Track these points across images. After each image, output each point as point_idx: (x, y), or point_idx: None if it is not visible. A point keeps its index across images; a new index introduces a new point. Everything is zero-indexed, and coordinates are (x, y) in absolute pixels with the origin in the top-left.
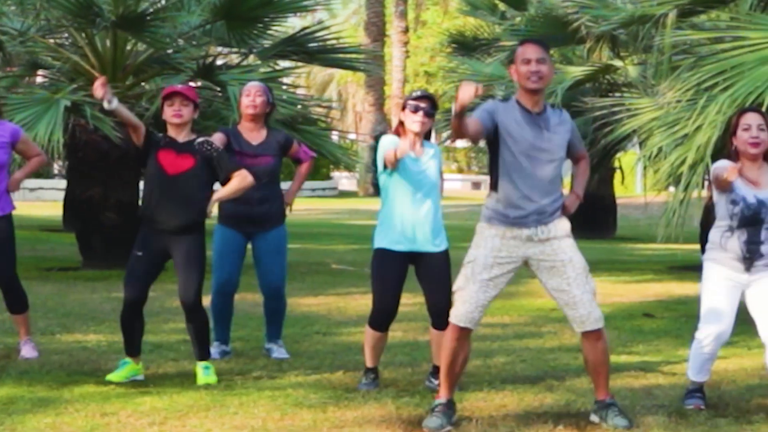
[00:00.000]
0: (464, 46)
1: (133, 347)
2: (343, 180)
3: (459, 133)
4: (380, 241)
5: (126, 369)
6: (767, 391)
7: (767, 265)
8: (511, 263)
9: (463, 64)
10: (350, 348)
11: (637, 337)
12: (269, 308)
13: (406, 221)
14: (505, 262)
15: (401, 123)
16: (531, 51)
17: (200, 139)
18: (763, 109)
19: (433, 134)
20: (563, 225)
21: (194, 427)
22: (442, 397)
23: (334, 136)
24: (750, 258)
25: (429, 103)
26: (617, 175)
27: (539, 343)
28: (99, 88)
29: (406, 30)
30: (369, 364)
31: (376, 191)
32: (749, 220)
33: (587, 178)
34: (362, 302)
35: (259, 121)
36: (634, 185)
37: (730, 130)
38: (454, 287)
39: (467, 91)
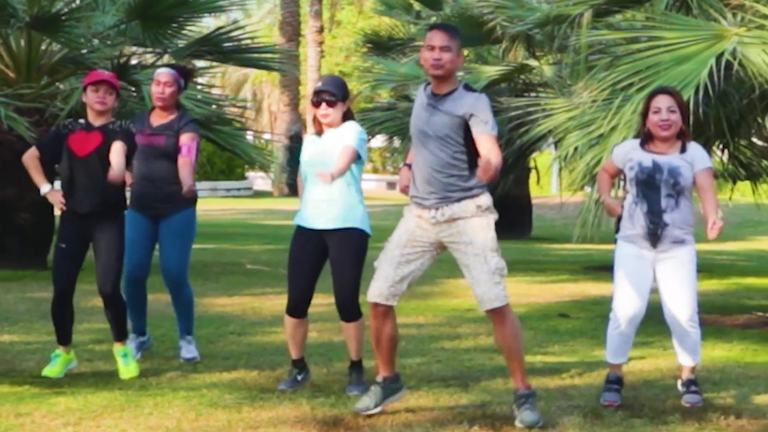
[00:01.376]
0: (379, 45)
1: (64, 336)
2: (258, 180)
3: None
4: (295, 219)
5: (59, 362)
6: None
7: (674, 241)
8: (424, 246)
9: (378, 64)
10: (265, 348)
11: (552, 338)
12: (173, 299)
13: (315, 201)
14: (418, 243)
15: (315, 117)
16: (437, 38)
17: (118, 122)
18: None
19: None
20: (469, 206)
21: (109, 427)
22: (378, 375)
23: (249, 136)
24: (654, 231)
25: (331, 96)
26: (532, 175)
27: (455, 343)
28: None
29: (321, 30)
30: (292, 355)
31: (291, 191)
32: (645, 183)
33: (492, 151)
34: (277, 302)
35: (167, 109)
36: (550, 185)
37: (641, 111)
38: (375, 266)
39: None
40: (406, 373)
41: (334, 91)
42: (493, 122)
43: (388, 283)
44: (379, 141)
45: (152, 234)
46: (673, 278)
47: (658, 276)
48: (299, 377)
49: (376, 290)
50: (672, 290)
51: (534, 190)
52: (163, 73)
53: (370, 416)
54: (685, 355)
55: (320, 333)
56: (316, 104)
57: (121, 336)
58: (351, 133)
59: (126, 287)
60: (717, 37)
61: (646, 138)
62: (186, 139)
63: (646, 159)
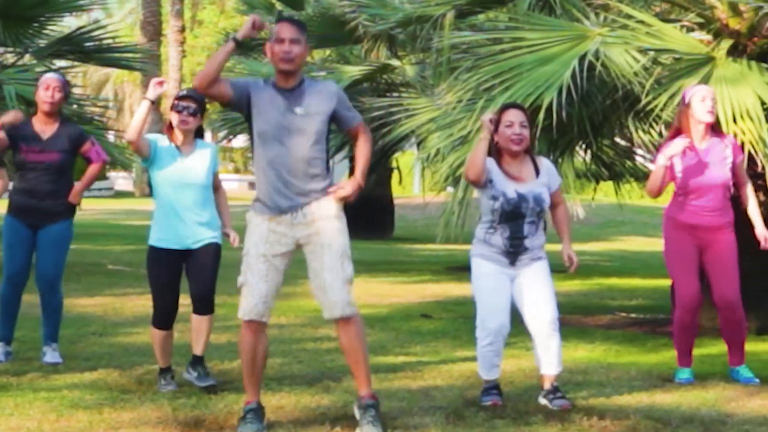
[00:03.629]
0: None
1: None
2: (120, 180)
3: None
4: (152, 239)
5: None
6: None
7: (533, 258)
8: (283, 245)
9: (240, 64)
10: (127, 349)
11: (414, 338)
12: (43, 304)
13: (174, 219)
14: (277, 246)
15: (170, 123)
16: (285, 30)
17: None
18: (542, 110)
19: (209, 134)
20: (328, 206)
21: None
22: (252, 402)
23: (110, 136)
24: (514, 252)
25: (194, 103)
26: (395, 176)
27: (316, 344)
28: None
29: (182, 29)
30: (161, 364)
31: (153, 191)
32: (510, 215)
33: (367, 158)
34: (139, 303)
35: (53, 115)
36: (412, 185)
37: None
38: (238, 283)
39: None
40: (267, 374)
41: (199, 100)
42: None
43: (263, 299)
44: (240, 141)
45: (31, 241)
46: (533, 287)
47: (517, 287)
48: (174, 380)
49: (252, 308)
50: (533, 297)
51: (396, 191)
52: (53, 78)
53: (230, 415)
54: (548, 364)
55: (181, 333)
56: (178, 110)
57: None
58: (213, 158)
59: (3, 291)
60: (580, 37)
61: (495, 154)
62: (89, 146)
63: (510, 190)
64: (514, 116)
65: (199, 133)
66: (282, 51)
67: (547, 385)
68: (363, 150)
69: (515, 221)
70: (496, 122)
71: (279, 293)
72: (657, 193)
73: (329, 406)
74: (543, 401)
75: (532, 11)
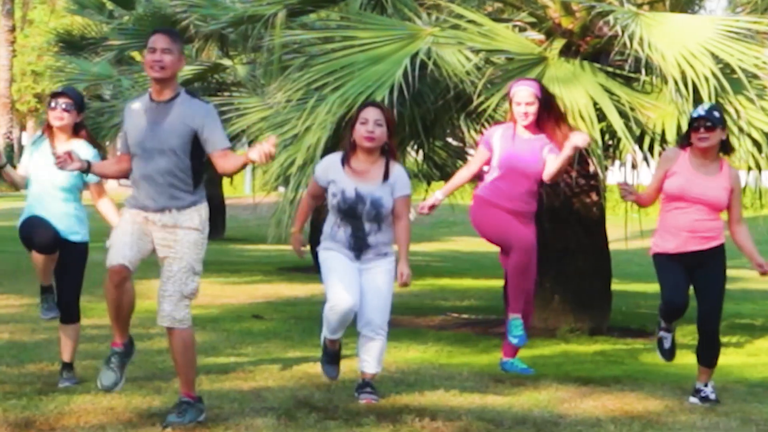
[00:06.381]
0: (72, 45)
1: None
2: None
3: None
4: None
5: None
6: (378, 392)
7: (377, 254)
8: (146, 234)
9: (71, 64)
10: None
11: (246, 339)
12: None
13: (48, 215)
14: (143, 227)
15: (48, 123)
16: (159, 41)
17: None
18: None
19: None
20: (192, 216)
21: None
22: (118, 344)
23: None
24: (358, 248)
25: (68, 99)
26: None
27: (147, 345)
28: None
29: (12, 29)
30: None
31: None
32: (347, 213)
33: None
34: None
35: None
36: (243, 185)
37: (351, 121)
38: (106, 245)
39: None
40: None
41: (74, 97)
42: (225, 133)
43: (127, 248)
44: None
45: None
46: (372, 288)
47: (360, 281)
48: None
49: (117, 254)
50: (368, 299)
51: (227, 191)
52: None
53: (61, 416)
54: (366, 362)
55: (12, 334)
56: (52, 107)
57: None
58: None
59: None
60: (411, 36)
61: (349, 150)
62: None
63: (349, 188)
64: (370, 114)
65: (77, 131)
66: (152, 60)
67: (361, 380)
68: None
69: (355, 219)
70: (354, 118)
71: (143, 257)
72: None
73: (161, 407)
74: (355, 395)
75: (363, 10)
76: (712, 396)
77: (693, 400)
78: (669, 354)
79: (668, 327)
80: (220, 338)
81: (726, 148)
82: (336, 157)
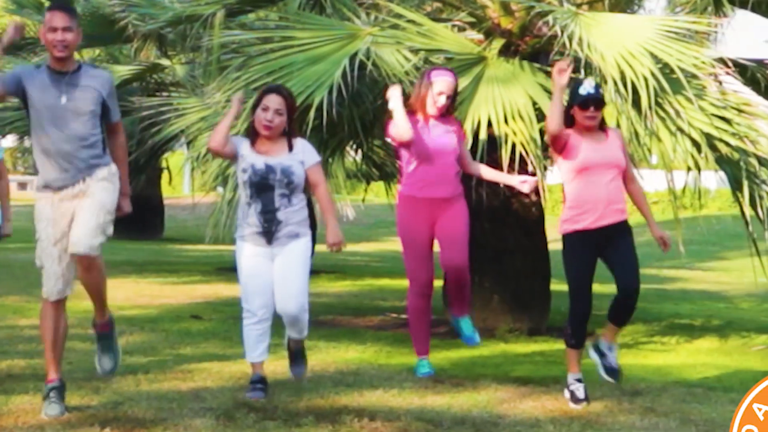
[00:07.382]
0: (11, 44)
1: None
2: None
3: None
4: None
5: None
6: (317, 393)
7: (288, 235)
8: (67, 217)
9: (9, 64)
10: None
11: (184, 339)
12: None
13: None
14: (62, 222)
15: None
16: (58, 19)
17: None
18: (313, 109)
19: None
20: (102, 172)
21: None
22: (55, 380)
23: None
24: (269, 229)
25: None
26: (165, 176)
27: (86, 345)
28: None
29: None
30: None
31: None
32: (259, 186)
33: (125, 159)
34: None
35: None
36: (182, 186)
37: (252, 103)
38: (38, 265)
39: None
40: (38, 374)
41: None
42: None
43: (61, 279)
44: (9, 141)
45: None
46: (286, 271)
47: (274, 269)
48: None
49: (53, 289)
50: (283, 283)
51: (166, 191)
52: None
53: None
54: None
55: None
56: None
57: None
58: None
59: None
60: (351, 36)
61: (253, 135)
62: None
63: (259, 162)
64: (271, 102)
65: None
66: (55, 40)
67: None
68: (120, 151)
69: (266, 193)
70: (256, 102)
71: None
72: None
73: (99, 407)
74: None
75: (302, 10)
76: (615, 365)
77: (592, 354)
78: (586, 400)
79: (578, 373)
80: (158, 338)
81: (602, 123)
82: (245, 139)
